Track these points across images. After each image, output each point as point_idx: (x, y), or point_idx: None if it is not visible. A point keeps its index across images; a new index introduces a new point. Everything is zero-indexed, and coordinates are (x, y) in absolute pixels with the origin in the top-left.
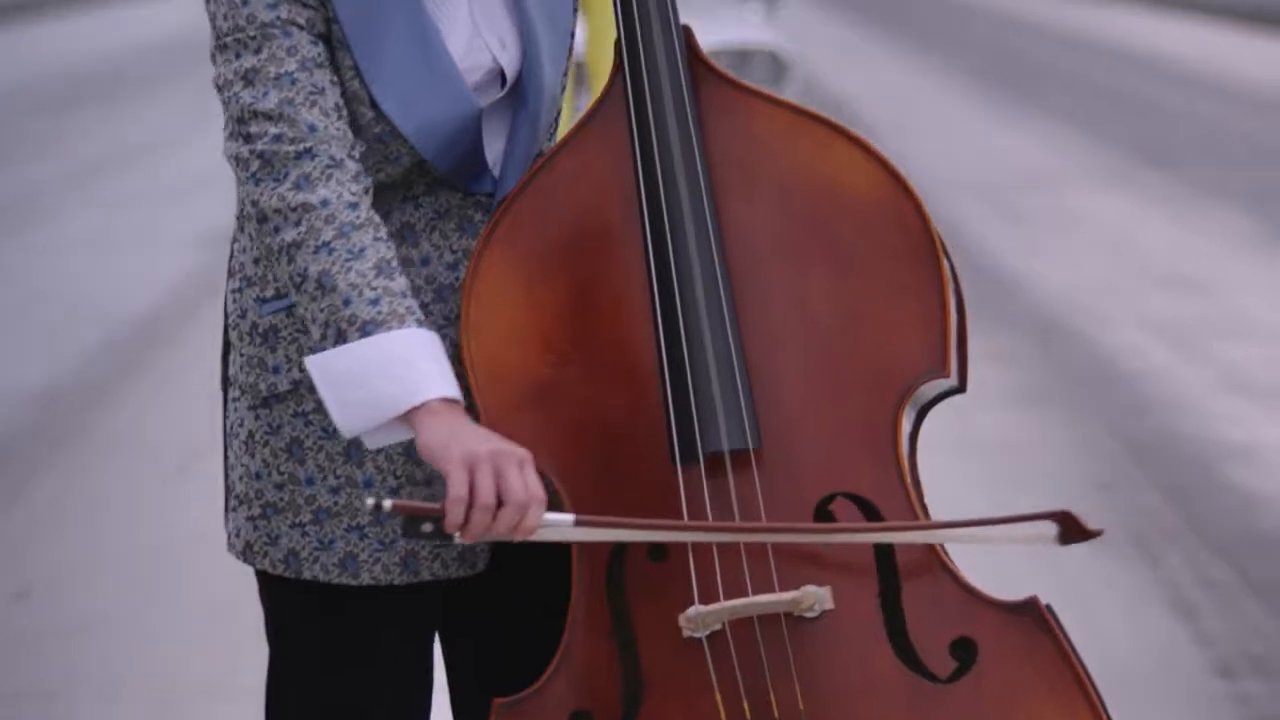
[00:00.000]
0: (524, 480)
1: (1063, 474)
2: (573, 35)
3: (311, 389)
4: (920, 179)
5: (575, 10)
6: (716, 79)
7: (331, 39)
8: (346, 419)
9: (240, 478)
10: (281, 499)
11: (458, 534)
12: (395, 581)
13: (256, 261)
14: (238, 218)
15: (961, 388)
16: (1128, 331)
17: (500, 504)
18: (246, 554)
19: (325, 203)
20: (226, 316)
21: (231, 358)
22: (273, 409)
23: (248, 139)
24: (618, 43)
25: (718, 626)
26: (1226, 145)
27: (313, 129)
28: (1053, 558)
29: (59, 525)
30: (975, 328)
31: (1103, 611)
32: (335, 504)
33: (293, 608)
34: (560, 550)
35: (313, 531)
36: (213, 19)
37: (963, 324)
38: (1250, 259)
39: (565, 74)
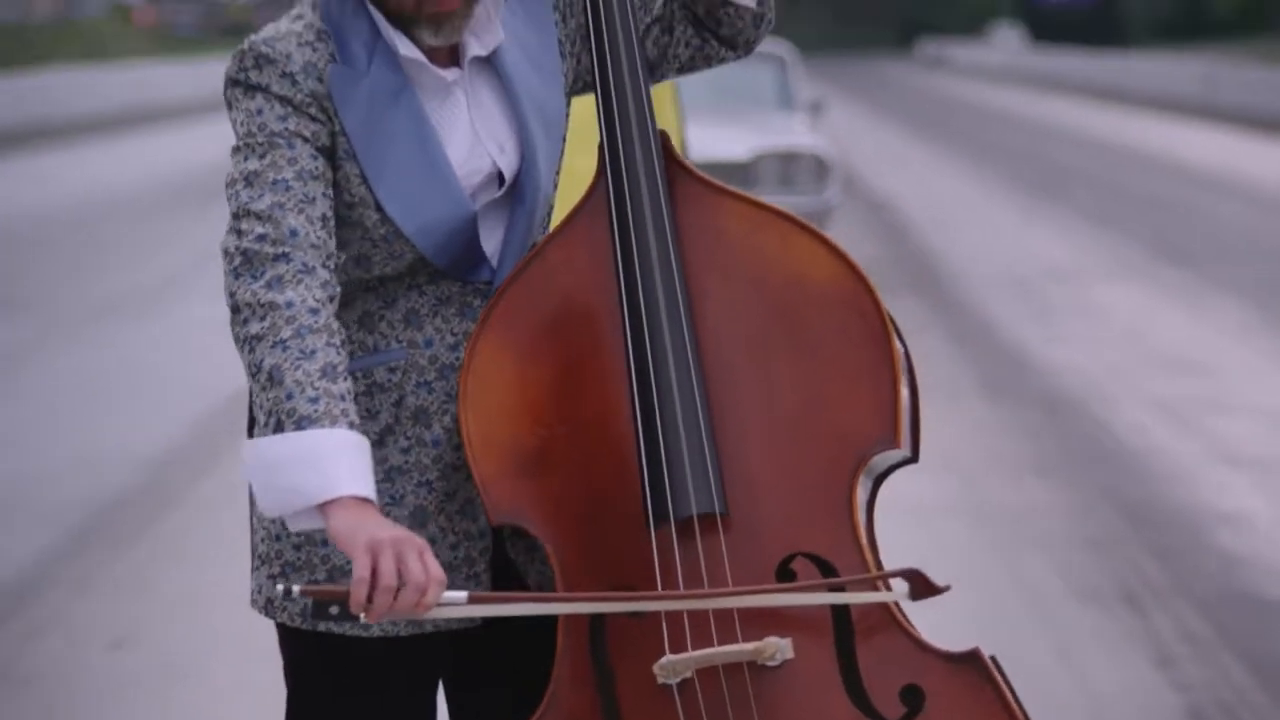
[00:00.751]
0: (423, 564)
1: (1063, 536)
2: (564, 139)
3: None
4: (956, 272)
5: (567, 115)
6: (689, 178)
7: (337, 151)
8: (268, 501)
9: (262, 540)
10: (299, 559)
11: (363, 614)
12: (402, 634)
13: None
14: None
15: (914, 458)
16: (1132, 409)
17: (401, 585)
18: (268, 609)
19: (290, 304)
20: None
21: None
22: None
23: (238, 235)
24: (601, 146)
25: (688, 674)
26: (1238, 243)
27: (294, 234)
28: (1049, 610)
29: (156, 579)
30: (999, 405)
31: (1090, 659)
32: (347, 564)
33: (310, 657)
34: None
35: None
36: (234, 124)
37: (915, 401)
38: (1249, 346)
39: (558, 173)
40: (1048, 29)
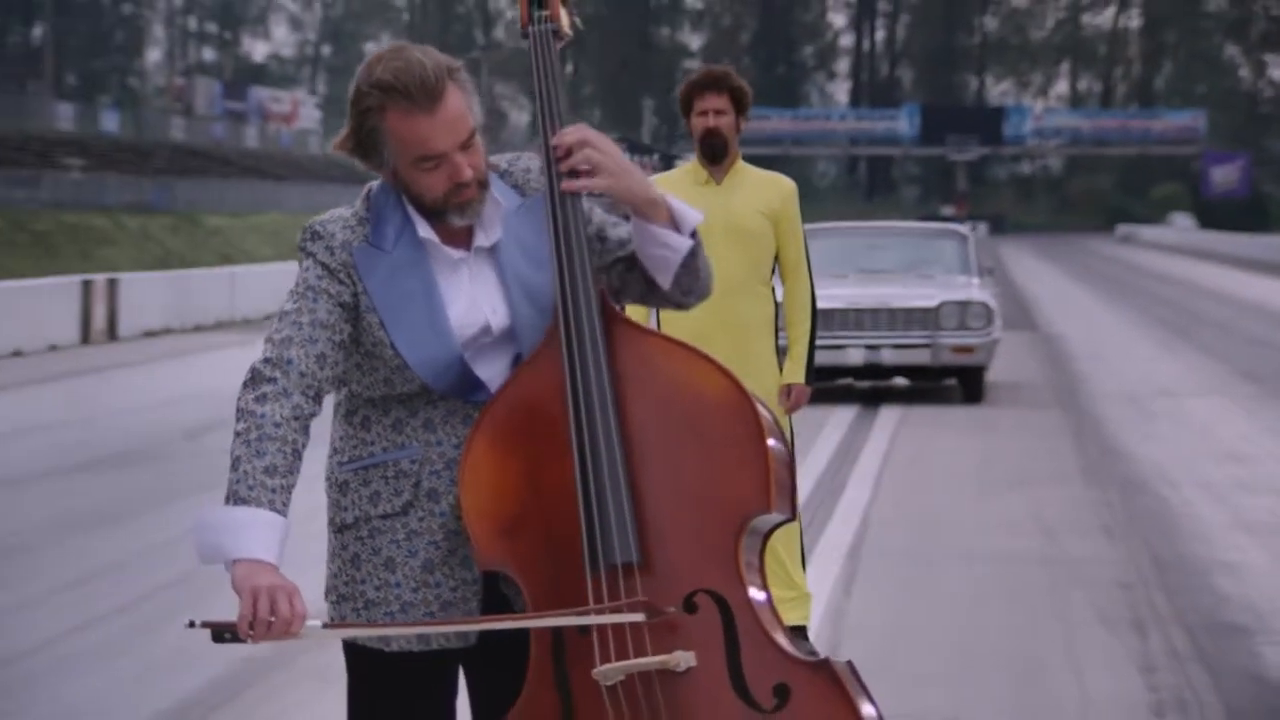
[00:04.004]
0: (290, 604)
1: (1105, 578)
2: (551, 307)
3: (368, 521)
4: (1092, 389)
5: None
6: (621, 322)
7: (360, 305)
8: (199, 552)
9: (330, 575)
10: (348, 592)
11: (249, 639)
12: (414, 650)
13: (340, 438)
14: (335, 408)
15: (792, 518)
16: (1187, 488)
17: (273, 620)
18: (329, 625)
19: (263, 416)
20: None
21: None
22: (343, 533)
23: (261, 353)
24: (555, 303)
25: (621, 678)
26: None
27: (289, 363)
28: (1075, 631)
29: None
30: (1091, 485)
31: (1093, 667)
32: (377, 597)
33: (358, 664)
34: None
35: (364, 614)
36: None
37: (792, 478)
38: None
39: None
40: (1213, 216)
